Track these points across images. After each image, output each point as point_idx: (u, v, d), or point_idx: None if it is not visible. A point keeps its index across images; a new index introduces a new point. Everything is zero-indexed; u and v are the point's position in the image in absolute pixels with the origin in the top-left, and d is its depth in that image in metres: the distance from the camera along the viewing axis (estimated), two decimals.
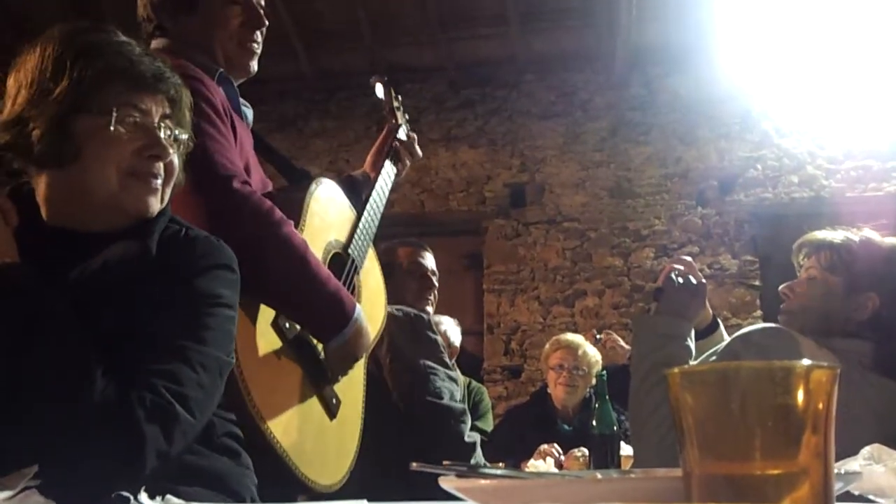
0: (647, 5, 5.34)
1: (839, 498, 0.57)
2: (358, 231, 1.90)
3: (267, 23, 1.80)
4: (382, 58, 5.93)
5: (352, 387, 1.80)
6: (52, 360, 1.03)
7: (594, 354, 3.86)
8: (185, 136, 1.24)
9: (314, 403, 1.66)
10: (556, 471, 2.83)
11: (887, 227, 2.07)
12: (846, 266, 1.79)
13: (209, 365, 1.11)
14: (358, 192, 2.08)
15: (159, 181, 1.20)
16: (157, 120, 1.19)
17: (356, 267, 1.86)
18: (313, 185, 1.79)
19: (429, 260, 2.72)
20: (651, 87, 6.08)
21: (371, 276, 1.98)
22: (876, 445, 0.88)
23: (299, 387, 1.63)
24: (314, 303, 1.59)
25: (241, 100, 1.80)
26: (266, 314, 1.58)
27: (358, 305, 1.67)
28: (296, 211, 1.69)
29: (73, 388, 1.01)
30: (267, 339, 1.57)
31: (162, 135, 1.19)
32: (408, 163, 2.26)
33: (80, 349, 1.04)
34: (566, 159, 6.10)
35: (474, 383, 4.24)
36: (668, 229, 5.88)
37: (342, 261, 1.83)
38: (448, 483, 0.71)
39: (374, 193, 2.04)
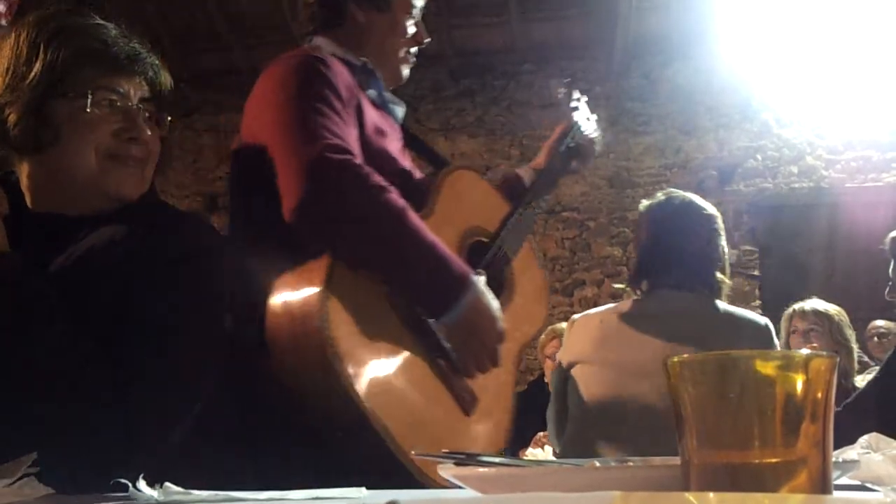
0: None
1: (837, 486, 0.57)
2: (509, 221, 1.80)
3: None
4: None
5: (494, 387, 1.62)
6: (43, 350, 1.03)
7: None
8: (166, 118, 1.23)
9: (442, 397, 1.51)
10: (553, 459, 2.85)
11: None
12: None
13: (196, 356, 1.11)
14: (520, 187, 2.01)
15: (139, 164, 1.19)
16: (135, 102, 1.19)
17: (505, 257, 1.76)
18: (448, 169, 1.75)
19: None
20: (651, 76, 6.07)
21: (528, 271, 1.85)
22: (874, 434, 0.88)
23: (420, 375, 1.48)
24: (414, 268, 1.47)
25: (391, 95, 1.82)
26: (378, 289, 1.47)
27: (473, 277, 1.51)
28: (426, 193, 1.64)
29: (66, 377, 1.01)
30: (380, 321, 1.45)
31: (140, 117, 1.18)
32: (579, 164, 2.18)
33: (71, 338, 1.03)
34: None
35: None
36: None
37: (485, 248, 1.73)
38: (446, 471, 0.71)
39: (533, 188, 1.97)
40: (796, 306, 3.57)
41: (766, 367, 0.54)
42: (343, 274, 1.42)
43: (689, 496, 0.46)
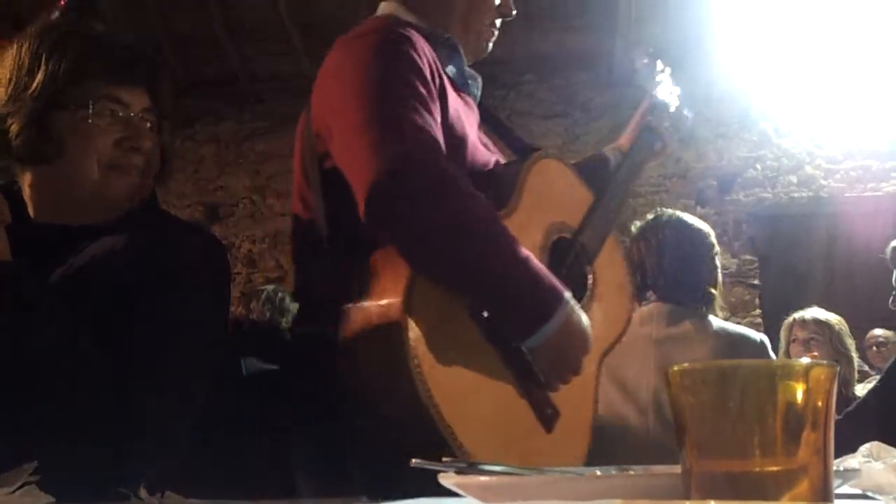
0: (646, 5, 5.35)
1: (838, 495, 0.57)
2: (592, 215, 1.63)
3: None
4: None
5: (576, 395, 1.49)
6: (44, 357, 1.03)
7: None
8: (167, 125, 1.23)
9: (522, 412, 1.39)
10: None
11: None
12: None
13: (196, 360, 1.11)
14: (604, 172, 1.83)
15: (140, 173, 1.19)
16: (136, 112, 1.19)
17: (588, 255, 1.60)
18: (532, 160, 1.55)
19: None
20: None
21: (611, 266, 1.68)
22: (875, 443, 0.88)
23: (500, 390, 1.36)
24: (499, 289, 1.33)
25: (471, 71, 1.65)
26: (458, 300, 1.34)
27: (564, 295, 1.37)
28: (509, 186, 1.47)
29: (67, 385, 1.01)
30: (460, 332, 1.33)
31: (141, 126, 1.19)
32: (667, 142, 1.95)
33: (72, 347, 1.04)
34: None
35: None
36: None
37: (567, 247, 1.57)
38: (447, 479, 0.71)
39: (617, 175, 1.79)
40: (796, 315, 3.57)
41: (767, 376, 0.54)
42: (423, 280, 1.30)
43: None
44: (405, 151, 1.28)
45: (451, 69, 1.57)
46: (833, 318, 3.50)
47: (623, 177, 1.80)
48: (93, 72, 1.16)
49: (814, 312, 3.54)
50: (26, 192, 1.19)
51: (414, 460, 0.73)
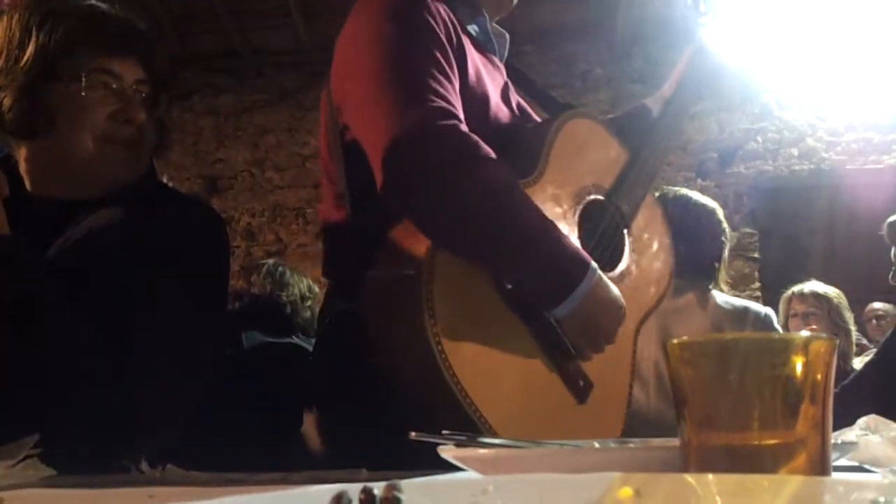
0: None
1: (835, 468, 0.57)
2: (627, 174, 1.55)
3: None
4: None
5: (612, 363, 1.44)
6: (44, 330, 1.03)
7: None
8: (162, 97, 1.22)
9: (552, 385, 1.35)
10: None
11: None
12: None
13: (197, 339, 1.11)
14: (645, 124, 1.72)
15: (135, 145, 1.18)
16: (130, 84, 1.18)
17: (624, 215, 1.52)
18: (560, 120, 1.48)
19: None
20: (651, 59, 6.04)
21: (651, 224, 1.61)
22: (872, 416, 0.88)
23: (527, 362, 1.32)
24: (523, 260, 1.29)
25: (496, 27, 1.60)
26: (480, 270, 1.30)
27: (590, 265, 1.32)
28: (536, 150, 1.42)
29: (67, 358, 1.01)
30: (484, 305, 1.29)
31: (136, 98, 1.17)
32: (708, 91, 1.86)
33: (72, 320, 1.04)
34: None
35: None
36: None
37: (602, 208, 1.50)
38: (447, 452, 0.72)
39: (659, 124, 1.69)
40: (795, 289, 3.58)
41: (766, 350, 0.54)
42: (445, 252, 1.26)
43: (688, 477, 0.46)
44: (420, 118, 1.23)
45: (473, 28, 1.51)
46: (832, 291, 3.51)
47: (665, 126, 1.70)
48: (85, 44, 1.15)
49: (812, 286, 3.54)
50: (22, 167, 1.19)
51: (413, 433, 0.73)
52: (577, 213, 1.45)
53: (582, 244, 1.40)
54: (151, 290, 1.09)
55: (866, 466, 0.78)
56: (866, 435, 0.83)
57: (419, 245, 1.25)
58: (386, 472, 0.73)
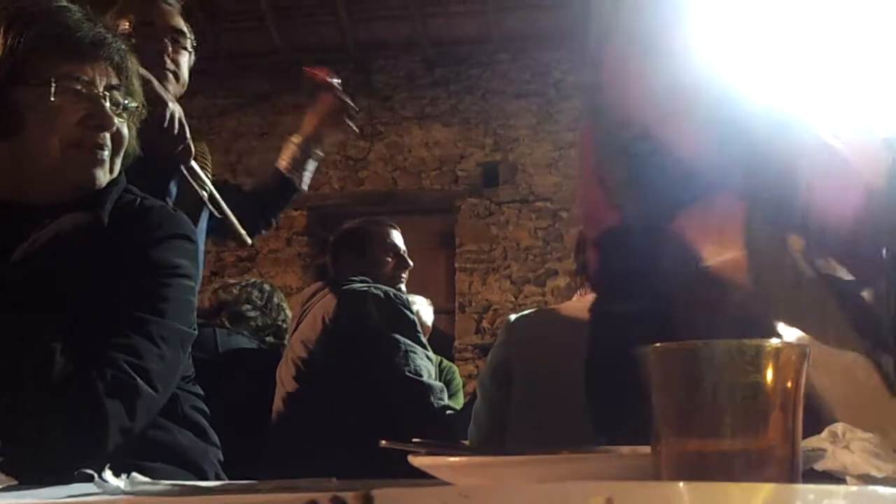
0: None
1: (805, 475, 0.57)
2: None
3: None
4: (356, 32, 5.87)
5: None
6: (9, 336, 1.01)
7: None
8: (134, 105, 1.20)
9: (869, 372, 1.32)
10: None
11: None
12: None
13: (170, 337, 1.09)
14: None
15: (105, 152, 1.16)
16: (101, 89, 1.15)
17: None
18: None
19: (399, 238, 2.72)
20: None
21: None
22: (841, 424, 0.89)
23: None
24: None
25: None
26: None
27: None
28: None
29: (32, 365, 0.99)
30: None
31: (107, 104, 1.15)
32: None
33: (37, 325, 1.02)
34: (539, 139, 6.11)
35: (445, 362, 4.25)
36: None
37: None
38: (417, 461, 0.71)
39: None
40: None
41: (738, 357, 0.54)
42: None
43: (660, 485, 0.46)
44: None
45: None
46: None
47: None
48: (54, 47, 1.13)
49: None
50: None
51: (383, 442, 0.72)
52: None
53: None
54: (116, 294, 1.08)
55: (835, 474, 0.78)
56: (835, 443, 0.83)
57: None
58: (354, 482, 0.73)
